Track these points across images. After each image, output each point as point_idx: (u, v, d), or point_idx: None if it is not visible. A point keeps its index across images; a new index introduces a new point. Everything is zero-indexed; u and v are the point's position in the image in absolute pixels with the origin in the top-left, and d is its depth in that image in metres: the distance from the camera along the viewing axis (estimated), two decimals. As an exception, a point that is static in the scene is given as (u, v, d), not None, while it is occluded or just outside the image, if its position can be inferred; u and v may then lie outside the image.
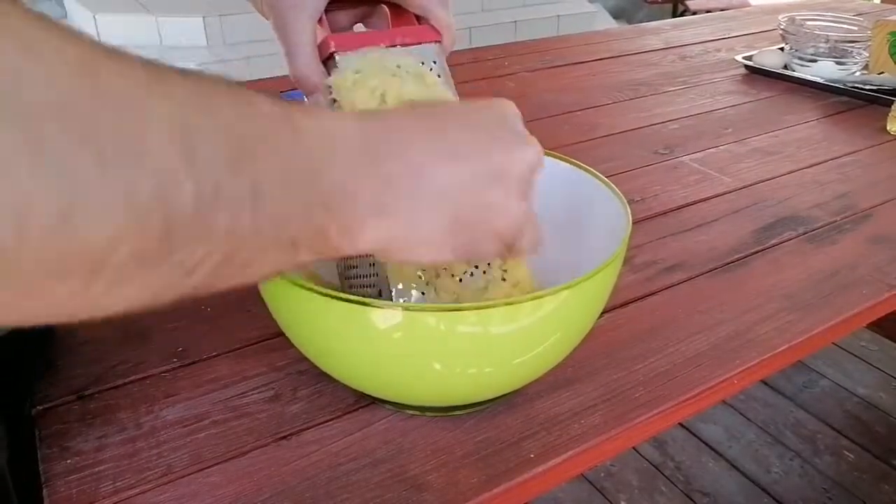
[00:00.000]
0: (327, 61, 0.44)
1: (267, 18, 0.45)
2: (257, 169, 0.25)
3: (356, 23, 0.50)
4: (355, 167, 0.30)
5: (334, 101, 0.43)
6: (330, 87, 0.43)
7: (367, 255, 0.46)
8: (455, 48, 0.48)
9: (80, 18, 3.38)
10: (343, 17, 0.48)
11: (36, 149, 0.19)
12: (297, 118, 0.28)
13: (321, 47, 0.44)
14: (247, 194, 0.25)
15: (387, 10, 0.48)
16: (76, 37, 0.21)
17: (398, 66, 0.44)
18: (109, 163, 0.20)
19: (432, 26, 0.46)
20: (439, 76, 0.45)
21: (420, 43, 0.46)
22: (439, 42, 0.46)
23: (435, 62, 0.46)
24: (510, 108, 0.38)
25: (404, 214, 0.32)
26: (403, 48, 0.45)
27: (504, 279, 0.48)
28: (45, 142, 0.19)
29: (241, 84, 0.27)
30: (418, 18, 0.47)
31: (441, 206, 0.33)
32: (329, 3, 0.44)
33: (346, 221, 0.30)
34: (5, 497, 0.43)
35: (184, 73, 0.25)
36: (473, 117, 0.37)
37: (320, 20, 0.44)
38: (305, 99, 0.45)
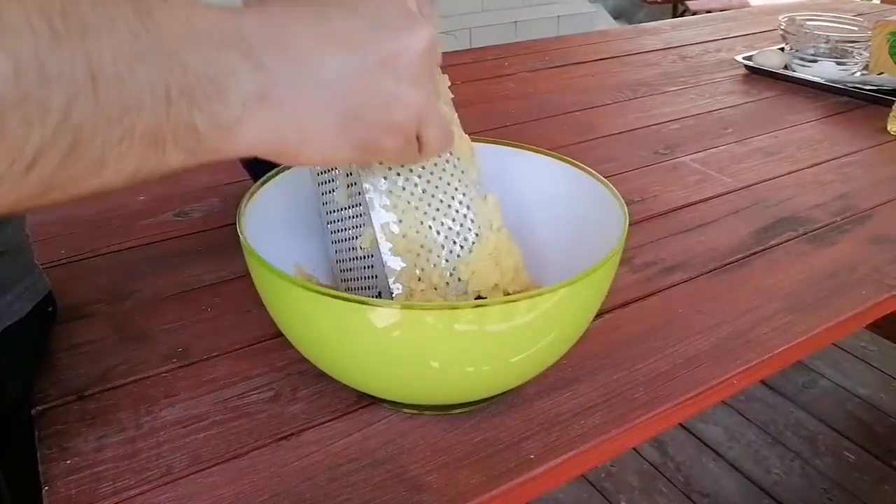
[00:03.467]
0: None
1: None
2: (94, 47, 0.23)
3: None
4: (222, 54, 0.27)
5: None
6: None
7: (363, 258, 0.46)
8: (455, 49, 0.48)
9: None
10: None
11: None
12: (147, 1, 0.26)
13: None
14: (83, 73, 0.23)
15: None
16: None
17: None
18: None
19: None
20: None
21: None
22: None
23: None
24: None
25: (289, 105, 0.29)
26: None
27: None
28: None
29: None
30: None
31: (328, 96, 0.31)
32: None
33: (218, 113, 0.27)
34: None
35: None
36: (357, 3, 0.34)
37: None
38: None
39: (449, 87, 0.47)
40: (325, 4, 0.33)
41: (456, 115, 0.47)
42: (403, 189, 0.45)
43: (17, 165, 0.23)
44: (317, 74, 0.30)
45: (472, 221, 0.47)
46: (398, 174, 0.45)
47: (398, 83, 0.33)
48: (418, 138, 0.36)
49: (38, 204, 0.25)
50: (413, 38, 0.33)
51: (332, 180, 0.47)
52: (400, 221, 0.44)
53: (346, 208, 0.47)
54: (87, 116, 0.23)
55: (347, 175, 0.46)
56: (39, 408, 0.47)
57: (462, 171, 0.47)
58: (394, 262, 0.44)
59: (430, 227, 0.45)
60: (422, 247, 0.45)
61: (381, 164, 0.44)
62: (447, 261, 0.45)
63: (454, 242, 0.46)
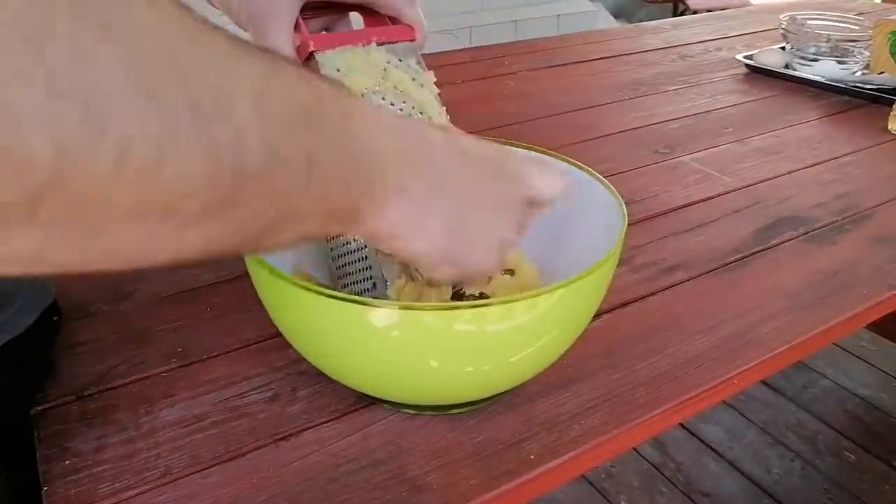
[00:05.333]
0: (307, 62, 0.46)
1: (245, 30, 0.47)
2: (313, 140, 0.27)
3: (324, 29, 0.51)
4: (390, 149, 0.32)
5: None
6: None
7: (356, 250, 0.46)
8: (455, 48, 0.49)
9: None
10: (312, 24, 0.50)
11: (143, 83, 0.20)
12: (344, 99, 0.31)
13: (299, 50, 0.46)
14: (303, 162, 0.27)
15: (357, 15, 0.50)
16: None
17: (388, 63, 0.47)
18: (201, 110, 0.22)
19: (406, 26, 0.48)
20: (415, 77, 0.48)
21: (396, 41, 0.48)
22: (414, 41, 0.49)
23: (413, 60, 0.48)
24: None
25: (421, 198, 0.34)
26: (380, 46, 0.47)
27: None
28: (151, 78, 0.20)
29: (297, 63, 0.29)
30: (392, 20, 0.48)
31: (454, 198, 0.35)
32: (300, 11, 0.46)
33: (376, 198, 0.32)
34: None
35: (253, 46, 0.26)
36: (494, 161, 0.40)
37: (297, 26, 0.46)
38: None
39: (435, 82, 0.49)
40: (464, 146, 0.38)
41: (444, 108, 0.49)
42: None
43: (233, 226, 0.26)
44: (449, 179, 0.35)
45: None
46: None
47: (508, 216, 0.39)
48: None
49: (228, 254, 0.27)
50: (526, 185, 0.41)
51: None
52: None
53: None
54: (294, 196, 0.27)
55: None
56: (39, 408, 0.47)
57: None
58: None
59: None
60: None
61: None
62: None
63: None
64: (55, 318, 0.52)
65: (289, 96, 0.26)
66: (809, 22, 1.21)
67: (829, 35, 1.17)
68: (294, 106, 0.26)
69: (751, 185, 0.80)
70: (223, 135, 0.23)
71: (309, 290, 0.37)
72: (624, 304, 0.59)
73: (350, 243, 0.47)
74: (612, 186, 0.48)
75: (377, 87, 0.46)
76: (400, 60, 0.48)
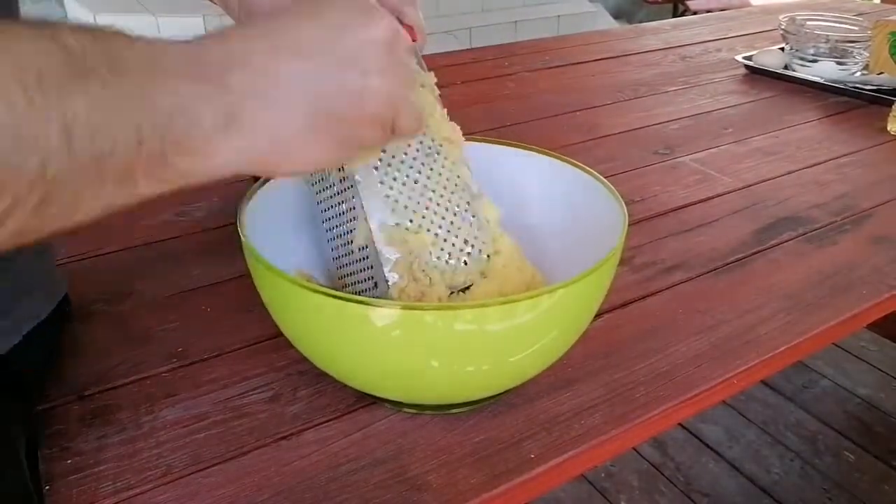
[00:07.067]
0: None
1: None
2: (68, 105, 0.24)
3: None
4: (190, 84, 0.28)
5: None
6: None
7: (358, 251, 0.46)
8: (455, 48, 0.49)
9: (81, 18, 3.38)
10: None
11: None
12: (116, 47, 0.27)
13: None
14: (57, 132, 0.24)
15: None
16: None
17: None
18: None
19: (406, 27, 0.48)
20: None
21: None
22: (415, 41, 0.48)
23: (413, 61, 0.48)
24: None
25: (259, 123, 0.30)
26: None
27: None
28: None
29: (53, 21, 0.26)
30: None
31: (298, 105, 0.32)
32: None
33: (188, 143, 0.28)
34: (23, 488, 0.43)
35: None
36: (316, 9, 0.35)
37: None
38: None
39: (436, 83, 0.48)
40: (284, 17, 0.34)
41: (445, 109, 0.48)
42: (395, 179, 0.45)
43: None
44: (281, 87, 0.31)
45: (467, 210, 0.47)
46: (389, 165, 0.45)
47: (365, 76, 0.33)
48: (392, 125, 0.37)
49: (11, 247, 0.25)
50: (371, 31, 0.34)
51: (325, 178, 0.48)
52: (392, 211, 0.45)
53: (339, 204, 0.47)
54: (61, 170, 0.24)
55: (339, 170, 0.46)
56: (39, 408, 0.47)
57: (452, 163, 0.48)
58: (388, 252, 0.44)
59: (423, 216, 0.45)
60: (416, 235, 0.45)
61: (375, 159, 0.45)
62: (443, 249, 0.45)
63: (448, 231, 0.46)
64: (67, 310, 0.53)
65: (15, 63, 0.23)
66: (809, 23, 1.21)
67: (828, 36, 1.17)
68: (22, 73, 0.23)
69: (750, 186, 0.80)
70: None
71: (310, 289, 0.37)
72: (624, 305, 0.59)
73: (351, 243, 0.47)
74: (612, 186, 0.48)
75: None
76: None
